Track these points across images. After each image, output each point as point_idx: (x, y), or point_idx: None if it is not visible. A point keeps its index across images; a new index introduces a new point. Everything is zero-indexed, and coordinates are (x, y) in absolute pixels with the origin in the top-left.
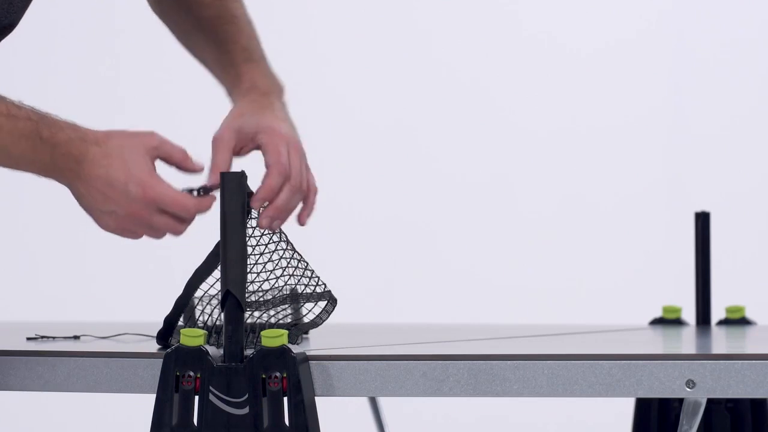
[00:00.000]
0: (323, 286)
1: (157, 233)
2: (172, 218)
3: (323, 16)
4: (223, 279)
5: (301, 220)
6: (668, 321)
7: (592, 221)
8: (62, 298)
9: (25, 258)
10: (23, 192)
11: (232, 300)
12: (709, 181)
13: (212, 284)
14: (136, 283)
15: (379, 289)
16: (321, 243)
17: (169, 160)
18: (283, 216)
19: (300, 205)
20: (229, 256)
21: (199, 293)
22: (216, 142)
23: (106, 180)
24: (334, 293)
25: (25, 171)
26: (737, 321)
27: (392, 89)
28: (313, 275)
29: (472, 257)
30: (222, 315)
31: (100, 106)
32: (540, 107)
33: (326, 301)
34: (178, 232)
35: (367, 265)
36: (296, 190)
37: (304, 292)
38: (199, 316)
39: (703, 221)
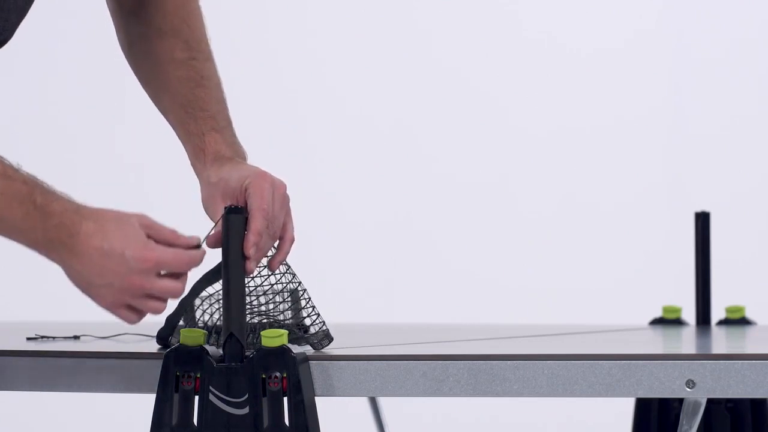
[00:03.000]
0: (321, 324)
1: (154, 304)
2: (169, 278)
3: (323, 16)
4: (226, 321)
5: (272, 267)
6: (668, 321)
7: (592, 221)
8: (62, 298)
9: (25, 258)
10: None
11: (234, 340)
12: (709, 181)
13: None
14: None
15: (379, 289)
16: (322, 243)
17: (159, 241)
18: (261, 259)
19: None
20: (232, 298)
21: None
22: (217, 213)
23: (102, 250)
24: (343, 290)
25: (15, 240)
26: (737, 321)
27: (392, 89)
28: (313, 311)
29: (472, 257)
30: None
31: (99, 113)
32: (540, 107)
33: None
34: (178, 292)
35: (367, 265)
36: (272, 236)
37: (302, 324)
38: (199, 317)
39: (703, 221)
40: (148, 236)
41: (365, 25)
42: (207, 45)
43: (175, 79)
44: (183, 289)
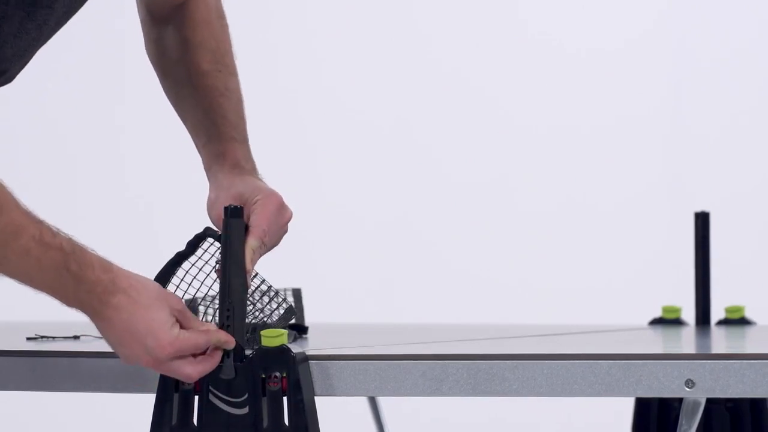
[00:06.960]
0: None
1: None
2: (184, 361)
3: (323, 16)
4: (222, 319)
5: None
6: (668, 321)
7: (592, 221)
8: None
9: None
10: (21, 191)
11: (238, 347)
12: (709, 181)
13: (212, 283)
14: None
15: (379, 289)
16: (321, 243)
17: (183, 325)
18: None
19: None
20: (230, 298)
21: (200, 293)
22: (219, 215)
23: (127, 326)
24: (343, 290)
25: (46, 294)
26: (737, 321)
27: (392, 89)
28: (281, 302)
29: (472, 257)
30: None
31: (99, 114)
32: (540, 107)
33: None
34: (190, 378)
35: (367, 265)
36: (264, 252)
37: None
38: (199, 317)
39: (703, 221)
40: (177, 321)
41: (365, 25)
42: (232, 60)
43: (201, 87)
44: (196, 376)
